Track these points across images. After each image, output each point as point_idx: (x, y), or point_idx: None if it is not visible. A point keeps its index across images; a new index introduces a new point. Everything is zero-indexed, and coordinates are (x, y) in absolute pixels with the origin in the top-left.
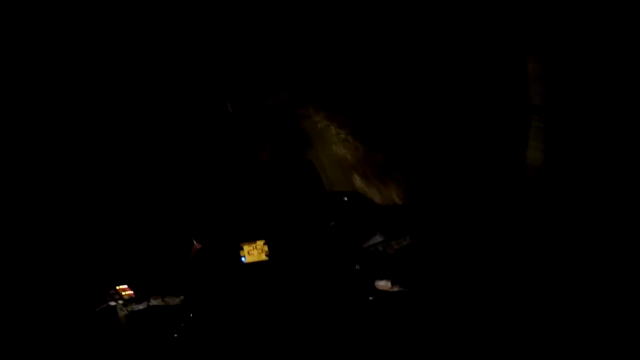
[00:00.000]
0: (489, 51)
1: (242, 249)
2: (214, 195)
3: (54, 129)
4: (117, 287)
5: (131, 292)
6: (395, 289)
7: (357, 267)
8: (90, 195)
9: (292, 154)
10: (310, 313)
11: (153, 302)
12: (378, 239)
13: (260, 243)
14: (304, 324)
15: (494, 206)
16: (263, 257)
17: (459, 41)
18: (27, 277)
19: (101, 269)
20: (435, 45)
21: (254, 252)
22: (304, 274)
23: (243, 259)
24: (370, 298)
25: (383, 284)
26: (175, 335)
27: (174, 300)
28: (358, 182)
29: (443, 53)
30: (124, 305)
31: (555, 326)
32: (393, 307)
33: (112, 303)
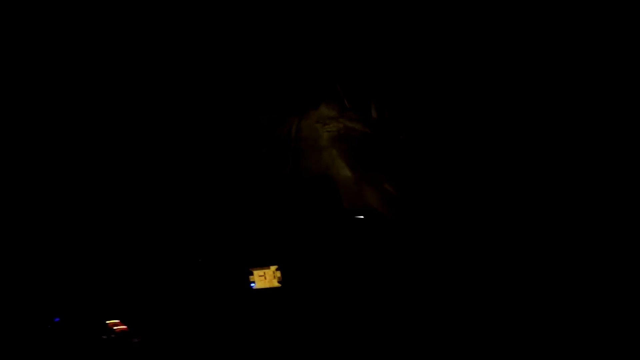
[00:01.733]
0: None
1: (252, 274)
2: (223, 214)
3: (54, 129)
4: (108, 322)
5: (124, 326)
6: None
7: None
8: (97, 216)
9: (308, 169)
10: (324, 346)
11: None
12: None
13: (272, 268)
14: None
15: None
16: (275, 283)
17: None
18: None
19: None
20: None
21: (265, 278)
22: (319, 303)
23: (253, 284)
24: None
25: None
26: None
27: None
28: (373, 199)
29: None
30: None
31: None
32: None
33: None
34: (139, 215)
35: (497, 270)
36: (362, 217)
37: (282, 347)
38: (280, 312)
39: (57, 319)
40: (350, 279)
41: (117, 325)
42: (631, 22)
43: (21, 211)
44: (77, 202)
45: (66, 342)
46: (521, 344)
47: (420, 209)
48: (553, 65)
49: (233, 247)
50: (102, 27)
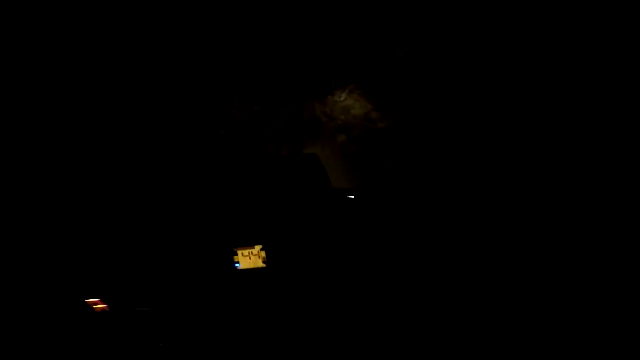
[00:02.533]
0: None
1: (236, 253)
2: (206, 191)
3: (53, 129)
4: (87, 301)
5: (104, 305)
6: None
7: None
8: (77, 194)
9: (295, 147)
10: (310, 327)
11: None
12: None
13: (257, 248)
14: (303, 339)
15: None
16: (260, 263)
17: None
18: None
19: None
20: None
21: (249, 258)
22: (305, 283)
23: (237, 265)
24: None
25: None
26: (160, 344)
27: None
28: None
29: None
30: None
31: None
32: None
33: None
34: (121, 194)
35: (491, 259)
36: (352, 196)
37: (267, 328)
38: (265, 293)
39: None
40: (337, 260)
41: (97, 304)
42: (631, 22)
43: (19, 211)
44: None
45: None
46: (521, 343)
47: (414, 194)
48: (552, 66)
49: (216, 226)
50: (98, 26)
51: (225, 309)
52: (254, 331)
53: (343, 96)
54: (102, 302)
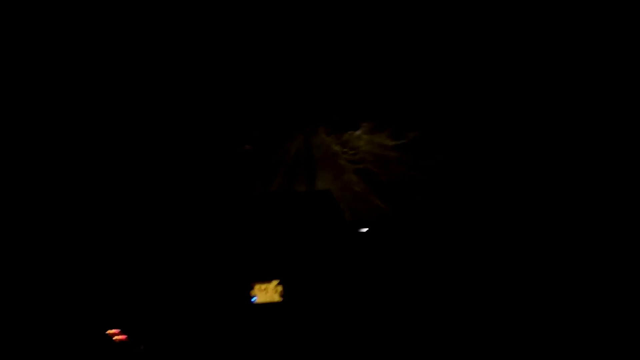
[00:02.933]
0: None
1: (253, 288)
2: (225, 229)
3: (53, 129)
4: (108, 332)
5: (123, 336)
6: None
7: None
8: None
9: (308, 183)
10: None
11: None
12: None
13: (274, 283)
14: None
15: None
16: (276, 297)
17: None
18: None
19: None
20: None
21: (266, 292)
22: (321, 319)
23: (254, 299)
24: None
25: None
26: None
27: None
28: (376, 209)
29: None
30: None
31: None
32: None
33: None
34: (142, 226)
35: (501, 285)
36: (366, 229)
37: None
38: (281, 327)
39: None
40: (353, 294)
41: (116, 334)
42: (631, 22)
43: (19, 212)
44: (83, 206)
45: (66, 348)
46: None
47: (426, 224)
48: (550, 68)
49: (235, 260)
50: (102, 27)
51: (242, 342)
52: None
53: (358, 132)
54: (122, 333)
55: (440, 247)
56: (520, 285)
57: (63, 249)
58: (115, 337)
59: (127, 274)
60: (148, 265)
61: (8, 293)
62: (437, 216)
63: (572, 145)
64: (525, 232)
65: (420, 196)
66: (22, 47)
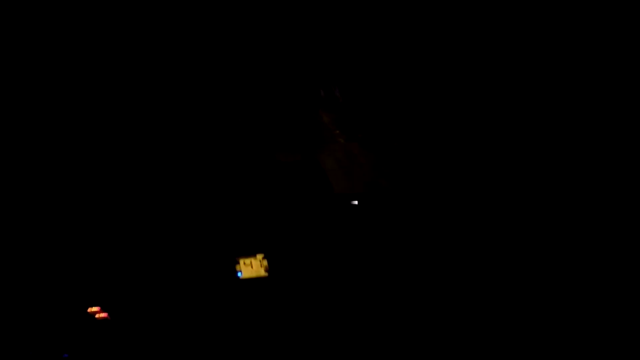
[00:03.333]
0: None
1: (238, 262)
2: (208, 201)
3: (53, 129)
4: (89, 310)
5: (104, 314)
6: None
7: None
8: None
9: (297, 154)
10: (311, 335)
11: None
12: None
13: (259, 257)
14: (304, 346)
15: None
16: (262, 272)
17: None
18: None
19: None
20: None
21: (251, 267)
22: (307, 292)
23: (239, 274)
24: None
25: None
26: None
27: None
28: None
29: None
30: None
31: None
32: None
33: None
34: (125, 203)
35: (491, 261)
36: (355, 202)
37: (269, 337)
38: (267, 302)
39: (65, 355)
40: (339, 268)
41: (98, 312)
42: (631, 22)
43: (19, 211)
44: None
45: (51, 329)
46: (520, 344)
47: (417, 198)
48: (547, 69)
49: (219, 235)
50: (101, 27)
51: (228, 318)
52: (255, 339)
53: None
54: (103, 310)
55: (433, 225)
56: (515, 282)
57: (51, 238)
58: (97, 315)
59: (111, 250)
60: (132, 241)
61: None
62: (432, 196)
63: (567, 147)
64: (522, 229)
65: (417, 175)
66: (22, 47)
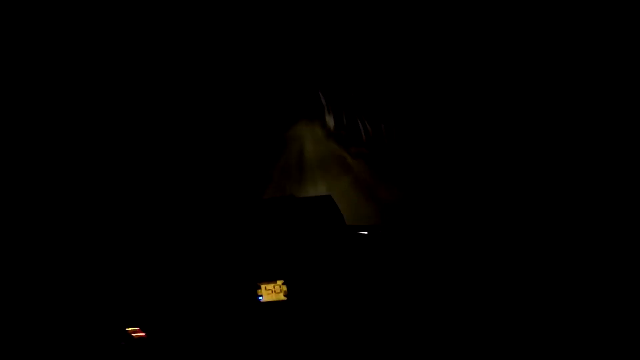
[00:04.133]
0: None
1: (259, 287)
2: (234, 232)
3: (54, 129)
4: (128, 329)
5: (143, 334)
6: None
7: None
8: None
9: (310, 187)
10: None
11: None
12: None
13: (279, 283)
14: None
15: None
16: (281, 297)
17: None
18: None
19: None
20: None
21: (272, 292)
22: (324, 315)
23: (260, 297)
24: None
25: None
26: None
27: None
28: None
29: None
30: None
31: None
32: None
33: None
34: (155, 229)
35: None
36: (365, 232)
37: (288, 356)
38: (286, 323)
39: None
40: (353, 293)
41: (136, 332)
42: (631, 22)
43: (22, 212)
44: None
45: (84, 346)
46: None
47: (425, 221)
48: (545, 71)
49: (243, 262)
50: (101, 27)
51: (250, 338)
52: (273, 355)
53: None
54: (141, 330)
55: (440, 248)
56: (513, 289)
57: (72, 248)
58: (135, 335)
59: (139, 275)
60: (162, 266)
61: (9, 293)
62: (437, 218)
63: (563, 149)
64: (519, 233)
65: (419, 197)
66: (23, 47)
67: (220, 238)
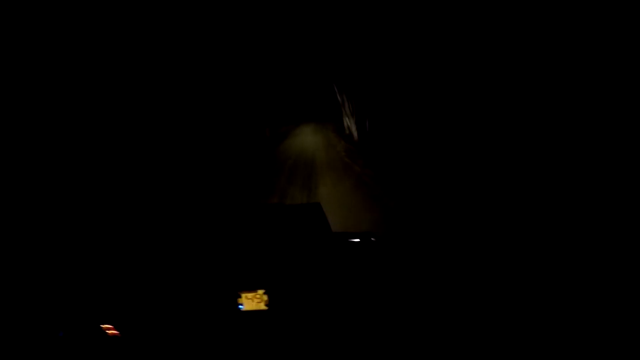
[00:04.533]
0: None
1: (240, 296)
2: (214, 239)
3: (54, 129)
4: (102, 326)
5: (116, 332)
6: None
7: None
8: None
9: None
10: None
11: None
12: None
13: (260, 292)
14: None
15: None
16: (262, 306)
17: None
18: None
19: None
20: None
21: (252, 301)
22: (305, 326)
23: (241, 306)
24: None
25: None
26: None
27: None
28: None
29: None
30: None
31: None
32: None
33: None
34: (137, 231)
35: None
36: (357, 240)
37: None
38: (267, 333)
39: (61, 334)
40: (336, 303)
41: (109, 329)
42: (631, 22)
43: (21, 211)
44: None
45: (60, 344)
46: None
47: (418, 229)
48: (543, 72)
49: (224, 269)
50: (101, 27)
51: (229, 347)
52: None
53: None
54: (115, 328)
55: (431, 256)
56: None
57: (62, 248)
58: (109, 332)
59: (121, 276)
60: (141, 269)
61: (8, 293)
62: (430, 226)
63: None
64: (518, 235)
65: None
66: (23, 47)
67: (203, 244)
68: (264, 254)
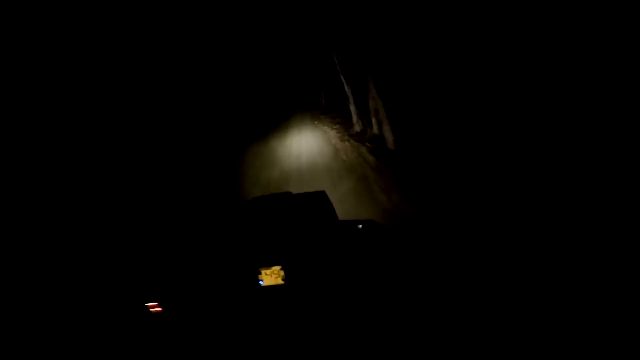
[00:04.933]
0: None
1: (260, 272)
2: (238, 223)
3: (54, 129)
4: (147, 304)
5: (160, 309)
6: None
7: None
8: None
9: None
10: (321, 336)
11: None
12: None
13: (277, 268)
14: (315, 346)
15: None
16: (279, 281)
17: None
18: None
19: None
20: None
21: (271, 276)
22: (318, 298)
23: (261, 282)
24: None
25: None
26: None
27: None
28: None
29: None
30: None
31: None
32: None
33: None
34: (174, 224)
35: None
36: (360, 225)
37: (286, 336)
38: (284, 306)
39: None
40: (345, 278)
41: (154, 307)
42: (631, 22)
43: (25, 210)
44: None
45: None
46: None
47: (420, 215)
48: (542, 72)
49: (245, 250)
50: (100, 28)
51: (251, 317)
52: (274, 338)
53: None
54: (159, 305)
55: (436, 239)
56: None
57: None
58: (153, 310)
59: (161, 262)
60: (178, 256)
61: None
62: (434, 214)
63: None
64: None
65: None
66: (24, 47)
67: (226, 230)
68: (278, 235)
